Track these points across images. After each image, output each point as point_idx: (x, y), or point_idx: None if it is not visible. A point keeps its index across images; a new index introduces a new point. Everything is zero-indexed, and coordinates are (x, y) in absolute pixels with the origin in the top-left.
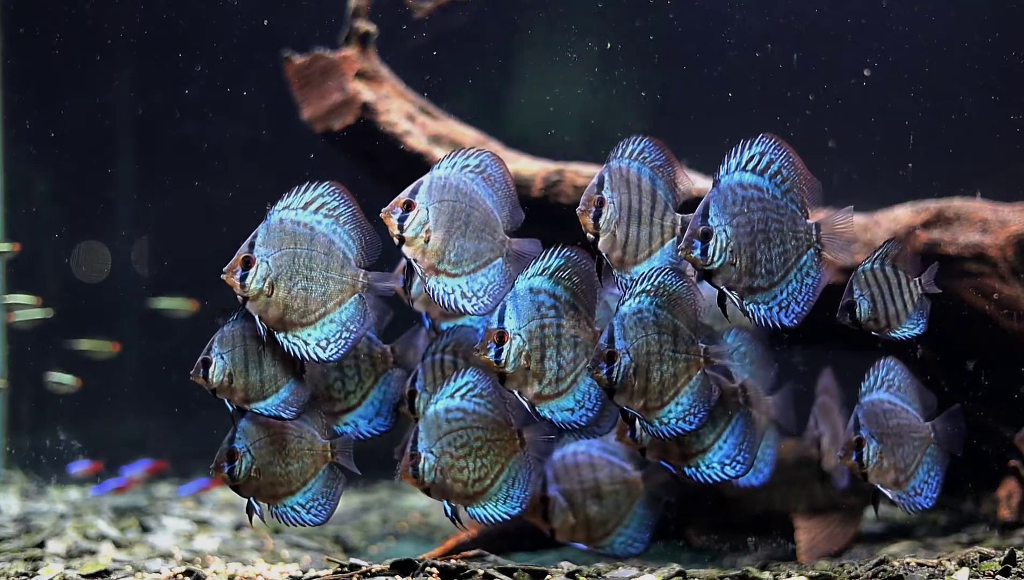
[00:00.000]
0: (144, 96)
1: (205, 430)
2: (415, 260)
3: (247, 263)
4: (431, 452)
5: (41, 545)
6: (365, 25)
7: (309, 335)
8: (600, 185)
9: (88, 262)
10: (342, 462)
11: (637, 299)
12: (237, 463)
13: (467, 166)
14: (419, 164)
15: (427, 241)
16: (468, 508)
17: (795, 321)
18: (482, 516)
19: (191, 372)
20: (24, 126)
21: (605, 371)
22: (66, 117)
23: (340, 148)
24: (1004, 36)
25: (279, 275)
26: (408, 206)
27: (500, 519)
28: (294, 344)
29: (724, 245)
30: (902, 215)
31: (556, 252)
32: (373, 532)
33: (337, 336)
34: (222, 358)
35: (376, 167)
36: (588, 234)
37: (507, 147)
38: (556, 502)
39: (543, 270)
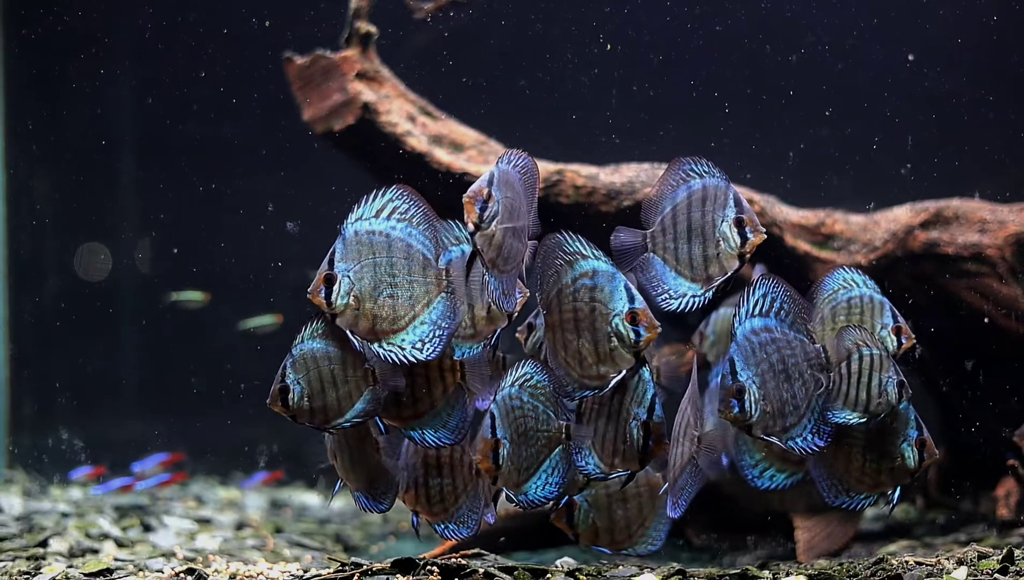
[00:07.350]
0: (145, 96)
1: (205, 430)
2: (483, 250)
3: (330, 281)
4: (507, 439)
5: (43, 544)
6: (366, 26)
7: (403, 340)
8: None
9: (89, 262)
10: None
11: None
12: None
13: (516, 165)
14: (420, 164)
15: (494, 235)
16: (509, 493)
17: (828, 439)
18: (524, 501)
19: (268, 401)
20: (26, 126)
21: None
22: (67, 117)
23: (341, 149)
24: (1004, 36)
25: (363, 287)
26: (489, 197)
27: (538, 503)
28: (390, 352)
29: (757, 396)
30: (901, 215)
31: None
32: (374, 531)
33: (431, 335)
34: (299, 384)
35: (377, 168)
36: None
37: (506, 148)
38: (582, 506)
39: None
